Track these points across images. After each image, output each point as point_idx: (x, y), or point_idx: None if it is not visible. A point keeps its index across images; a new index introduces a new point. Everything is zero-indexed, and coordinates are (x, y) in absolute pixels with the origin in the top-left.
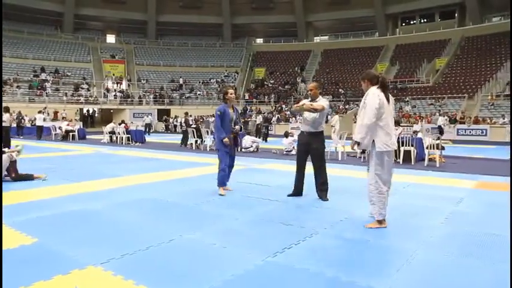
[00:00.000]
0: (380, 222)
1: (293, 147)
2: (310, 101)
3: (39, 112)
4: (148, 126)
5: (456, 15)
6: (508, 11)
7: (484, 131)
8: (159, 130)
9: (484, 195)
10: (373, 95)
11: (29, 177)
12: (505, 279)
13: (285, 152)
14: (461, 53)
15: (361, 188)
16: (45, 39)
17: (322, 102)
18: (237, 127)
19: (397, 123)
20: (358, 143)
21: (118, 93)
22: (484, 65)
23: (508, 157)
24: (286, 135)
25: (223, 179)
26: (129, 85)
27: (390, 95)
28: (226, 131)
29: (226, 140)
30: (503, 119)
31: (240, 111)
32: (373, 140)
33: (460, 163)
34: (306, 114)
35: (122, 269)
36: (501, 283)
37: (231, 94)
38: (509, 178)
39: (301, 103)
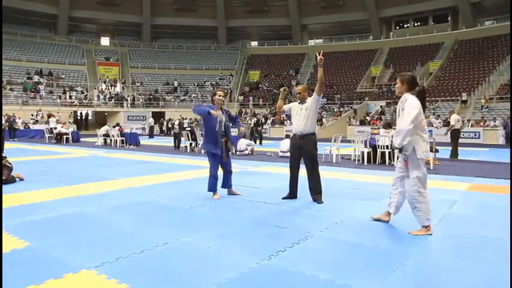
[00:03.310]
0: (427, 228)
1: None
2: (299, 103)
3: (51, 116)
4: (151, 128)
5: (449, 18)
6: (500, 14)
7: (477, 134)
8: (154, 133)
9: (478, 198)
10: (413, 103)
11: (11, 180)
12: (499, 281)
13: (280, 154)
14: (455, 56)
15: (355, 190)
16: (39, 42)
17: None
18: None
19: (389, 125)
20: (400, 150)
21: (109, 96)
22: (477, 68)
23: (502, 160)
24: (288, 136)
25: (213, 185)
26: (123, 88)
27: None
28: (214, 135)
29: (213, 112)
30: (494, 121)
31: (235, 114)
32: (413, 147)
33: (453, 165)
34: (296, 116)
35: (116, 273)
36: (495, 285)
37: (219, 96)
38: (503, 180)
39: (291, 104)
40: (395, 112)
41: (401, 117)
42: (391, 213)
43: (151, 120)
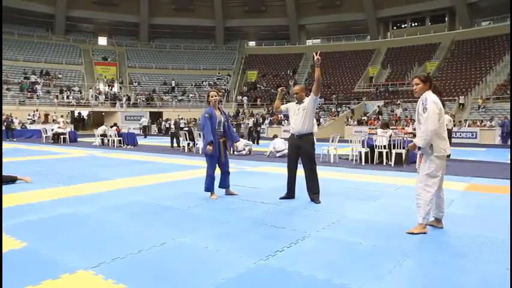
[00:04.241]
0: (422, 226)
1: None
2: (297, 103)
3: (62, 116)
4: (145, 128)
5: (446, 19)
6: (497, 15)
7: (474, 134)
8: (152, 133)
9: (475, 197)
10: (435, 101)
11: (13, 179)
12: (495, 280)
13: (278, 154)
14: (452, 56)
15: (353, 190)
16: (36, 41)
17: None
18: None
19: (387, 125)
20: (420, 148)
21: (106, 96)
22: (473, 68)
23: (500, 159)
24: (276, 136)
25: (209, 185)
26: (121, 88)
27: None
28: (214, 135)
29: (209, 148)
30: (491, 122)
31: (232, 114)
32: (431, 144)
33: (450, 165)
34: (294, 116)
35: (113, 273)
36: (491, 284)
37: (212, 97)
38: (500, 180)
39: (288, 104)
40: (392, 112)
41: (427, 117)
42: (438, 218)
43: (143, 120)
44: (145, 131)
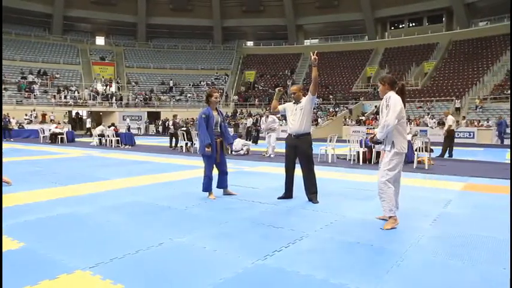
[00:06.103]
0: (393, 219)
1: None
2: (294, 103)
3: (89, 115)
4: (128, 128)
5: (444, 19)
6: (494, 15)
7: (472, 134)
8: (150, 133)
9: (472, 197)
10: (396, 100)
11: None
12: (492, 280)
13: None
14: (449, 56)
15: (351, 190)
16: (34, 41)
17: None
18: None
19: None
20: (379, 142)
21: (104, 96)
22: (471, 68)
23: (497, 159)
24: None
25: (207, 185)
26: (118, 88)
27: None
28: (211, 135)
29: (208, 149)
30: (488, 122)
31: (230, 114)
32: (392, 142)
33: (448, 165)
34: (292, 116)
35: (111, 273)
36: (488, 283)
37: (215, 98)
38: (498, 180)
39: (286, 104)
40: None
41: (387, 113)
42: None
43: (128, 120)
44: (128, 130)
